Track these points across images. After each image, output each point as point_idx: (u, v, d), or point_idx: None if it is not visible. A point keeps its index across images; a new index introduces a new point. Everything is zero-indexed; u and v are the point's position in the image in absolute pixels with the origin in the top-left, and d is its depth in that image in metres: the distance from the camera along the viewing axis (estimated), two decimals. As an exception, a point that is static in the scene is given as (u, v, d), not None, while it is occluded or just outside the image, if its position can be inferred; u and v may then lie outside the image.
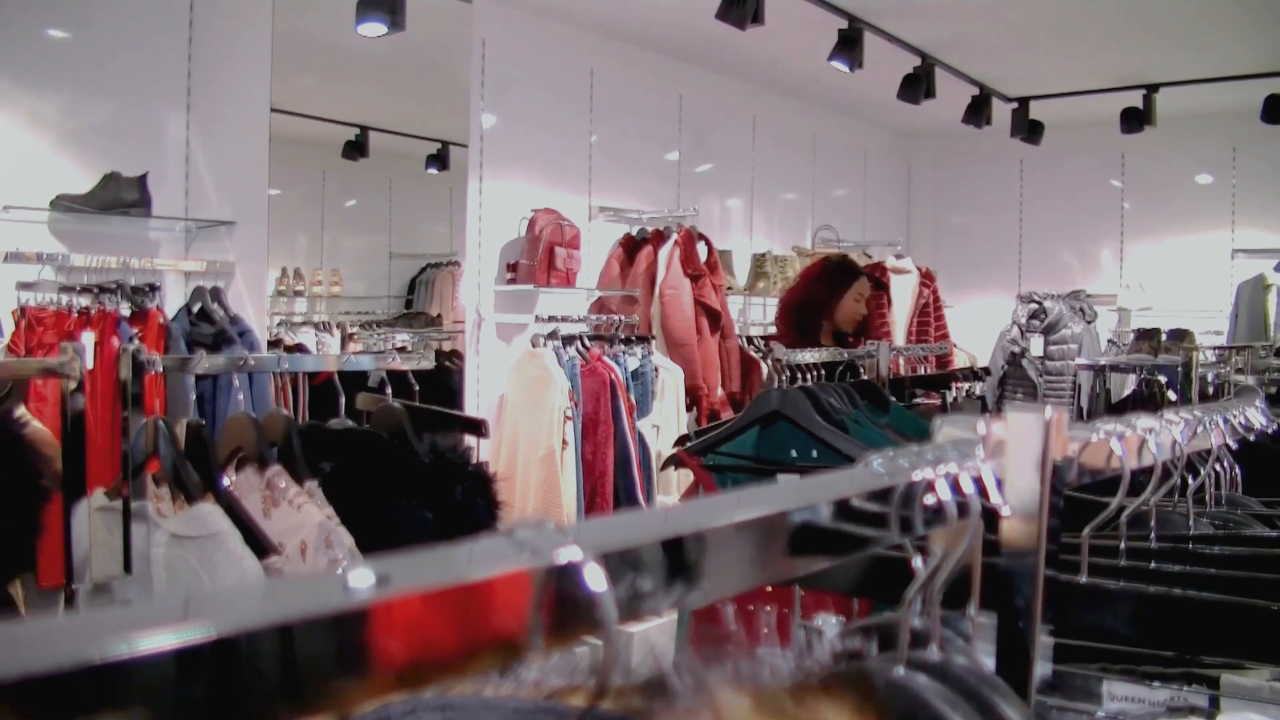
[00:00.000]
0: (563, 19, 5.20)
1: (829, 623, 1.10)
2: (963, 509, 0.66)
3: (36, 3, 3.71)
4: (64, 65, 3.77)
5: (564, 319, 4.83)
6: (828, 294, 4.68)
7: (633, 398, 4.84)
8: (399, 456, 2.12)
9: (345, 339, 5.23)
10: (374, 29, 4.29)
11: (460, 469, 2.15)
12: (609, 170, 5.52)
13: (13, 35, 3.64)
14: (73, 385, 1.68)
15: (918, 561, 0.69)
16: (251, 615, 0.34)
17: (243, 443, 2.01)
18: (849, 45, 5.30)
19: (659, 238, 5.42)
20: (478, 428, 2.71)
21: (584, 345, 4.83)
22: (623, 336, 4.97)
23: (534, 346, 4.76)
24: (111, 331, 3.43)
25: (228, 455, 1.94)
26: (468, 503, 2.11)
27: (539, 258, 4.96)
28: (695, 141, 6.07)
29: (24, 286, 3.53)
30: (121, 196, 3.65)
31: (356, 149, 5.53)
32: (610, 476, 4.61)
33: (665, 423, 5.08)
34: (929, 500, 0.64)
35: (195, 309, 3.73)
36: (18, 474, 1.74)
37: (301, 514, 1.87)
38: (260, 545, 1.75)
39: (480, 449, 3.79)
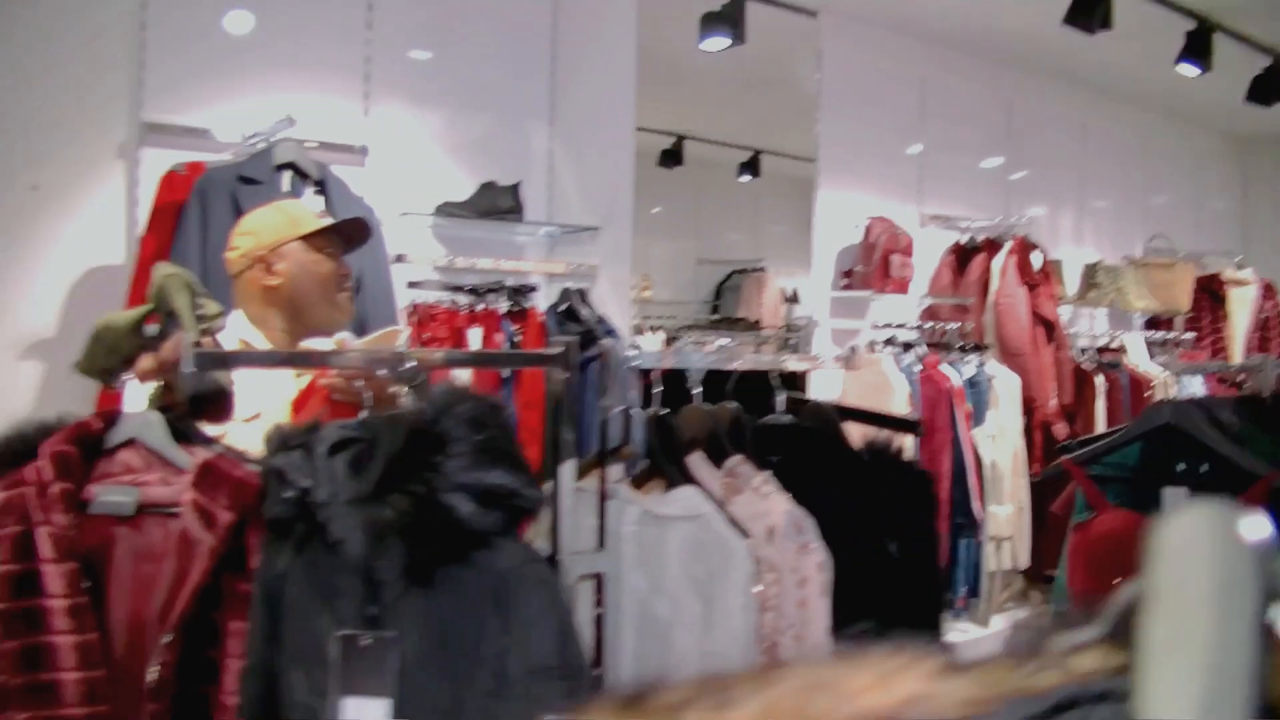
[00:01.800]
0: (898, 29, 5.08)
1: None
2: None
3: (409, 30, 3.94)
4: (443, 85, 3.99)
5: (899, 325, 4.68)
6: None
7: (969, 405, 4.63)
8: (838, 452, 2.06)
9: (668, 341, 5.26)
10: (717, 44, 4.32)
11: (899, 467, 2.07)
12: (936, 178, 5.33)
13: (395, 59, 3.87)
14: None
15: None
16: None
17: (698, 432, 2.00)
18: (1199, 46, 4.92)
19: (992, 246, 5.20)
20: (913, 427, 2.62)
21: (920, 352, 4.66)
22: (959, 344, 4.77)
23: (870, 352, 4.64)
24: (495, 328, 3.57)
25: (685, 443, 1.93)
26: (906, 500, 2.03)
27: (874, 264, 4.85)
28: (1021, 149, 5.79)
29: (413, 285, 3.71)
30: (498, 203, 3.81)
31: (672, 157, 5.56)
32: (947, 484, 4.42)
33: (1001, 432, 4.83)
34: None
35: (562, 309, 3.83)
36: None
37: (768, 501, 1.85)
38: (736, 527, 1.73)
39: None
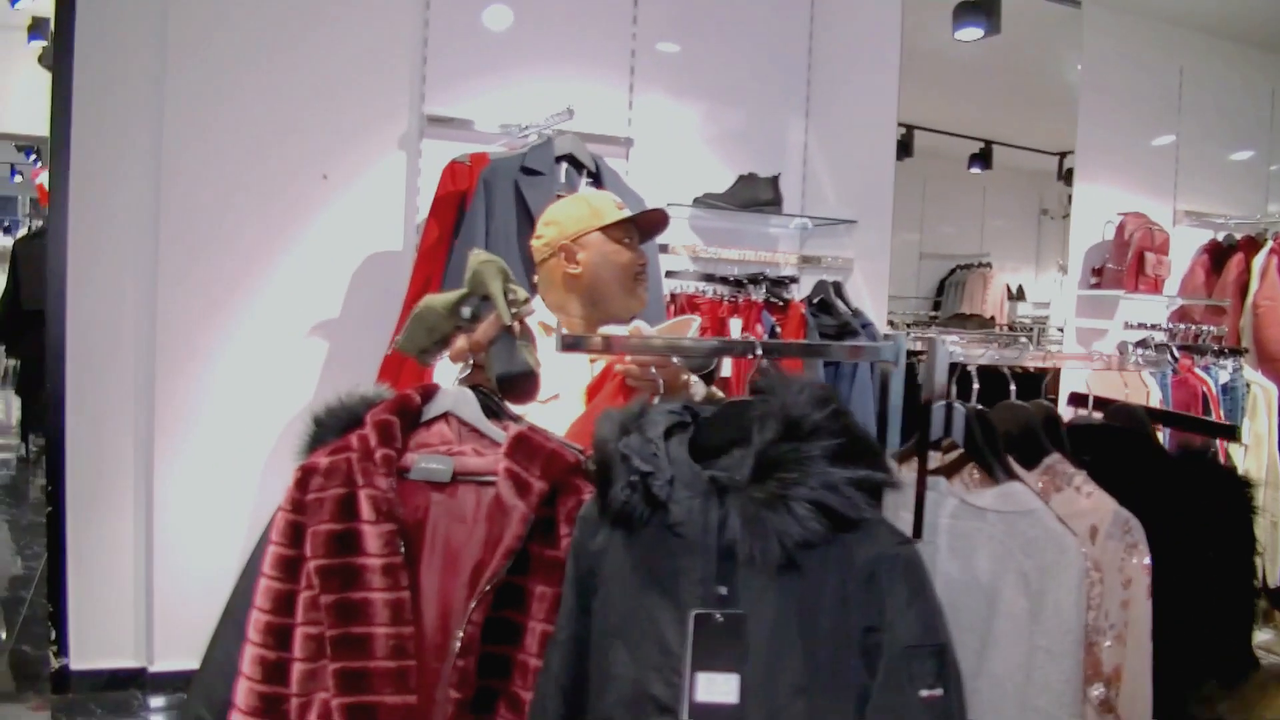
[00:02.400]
0: (1158, 16, 4.82)
1: None
2: None
3: (672, 22, 3.96)
4: (703, 78, 3.99)
5: (1154, 326, 4.45)
6: None
7: (1222, 413, 4.37)
8: (1152, 454, 1.95)
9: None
10: (971, 34, 4.18)
11: (1215, 471, 1.95)
12: (1192, 173, 5.04)
13: (658, 52, 3.90)
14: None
15: None
16: None
17: (1011, 427, 1.92)
18: None
19: (1250, 245, 4.88)
20: (1230, 431, 2.49)
21: (1174, 355, 4.41)
22: (1214, 348, 4.50)
23: (1120, 354, 4.42)
24: (755, 319, 3.55)
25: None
26: (1223, 506, 1.92)
27: (1128, 262, 4.62)
28: (1283, 141, 5.41)
29: (670, 275, 3.72)
30: (758, 195, 3.78)
31: (902, 148, 5.42)
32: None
33: (1256, 442, 4.54)
34: None
35: (816, 301, 3.78)
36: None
37: (1090, 500, 1.78)
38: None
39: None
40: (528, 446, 1.57)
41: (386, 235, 3.63)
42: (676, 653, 1.37)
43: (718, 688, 1.35)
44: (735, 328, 3.53)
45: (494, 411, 1.69)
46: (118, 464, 3.45)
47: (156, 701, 3.45)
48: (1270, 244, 4.80)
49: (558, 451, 1.57)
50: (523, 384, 1.74)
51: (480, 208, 3.18)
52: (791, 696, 1.32)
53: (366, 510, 1.53)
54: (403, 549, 1.53)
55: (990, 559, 1.77)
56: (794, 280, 3.74)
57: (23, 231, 6.57)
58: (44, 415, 6.84)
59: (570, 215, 2.28)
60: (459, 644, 1.49)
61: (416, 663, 1.51)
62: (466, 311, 1.75)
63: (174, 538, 3.45)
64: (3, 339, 6.65)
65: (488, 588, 1.50)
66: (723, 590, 1.37)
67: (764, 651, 1.33)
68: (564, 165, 3.33)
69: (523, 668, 1.54)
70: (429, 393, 1.68)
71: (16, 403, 7.37)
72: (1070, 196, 5.17)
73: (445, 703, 1.50)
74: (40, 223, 6.70)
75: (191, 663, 3.38)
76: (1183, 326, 4.71)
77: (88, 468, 3.42)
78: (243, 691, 1.54)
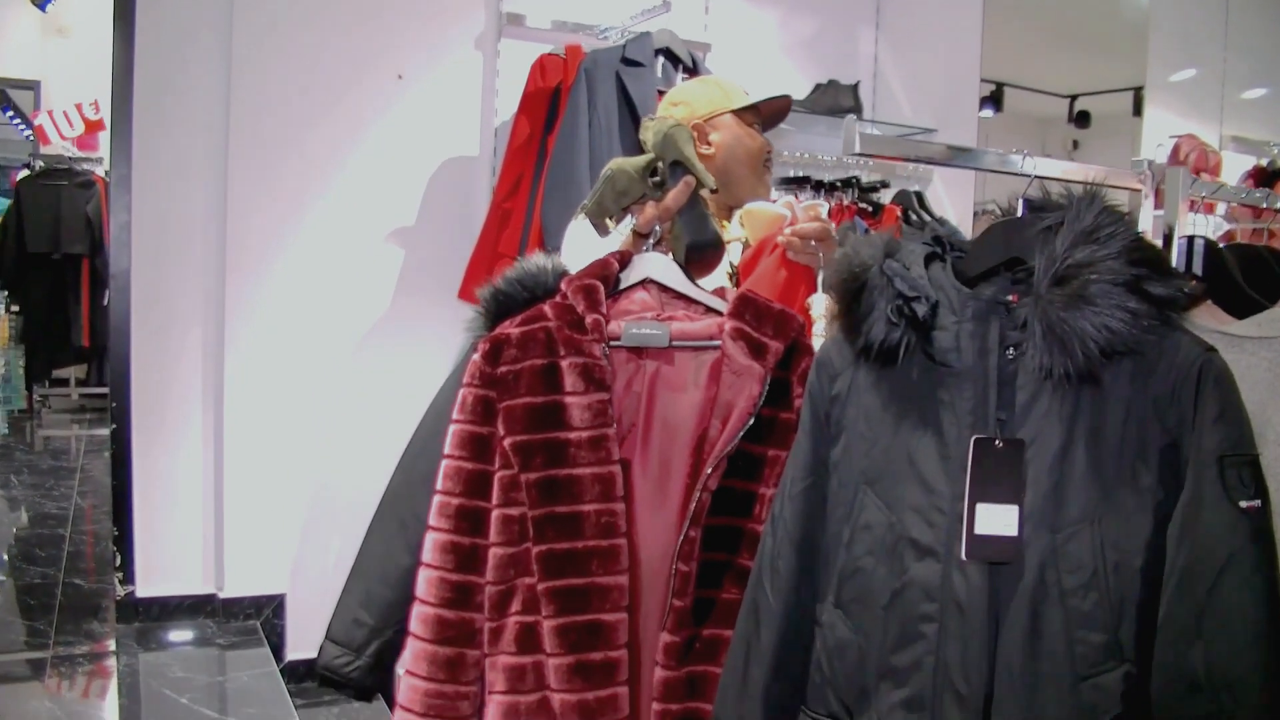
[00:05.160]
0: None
1: None
2: None
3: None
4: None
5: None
6: None
7: None
8: None
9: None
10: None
11: None
12: (1237, 100, 4.91)
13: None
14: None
15: None
16: None
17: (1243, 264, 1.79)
18: None
19: (1296, 169, 4.75)
20: None
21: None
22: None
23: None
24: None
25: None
26: None
27: (1183, 184, 4.47)
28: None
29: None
30: (840, 102, 3.60)
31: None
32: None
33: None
34: None
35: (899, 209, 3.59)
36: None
37: None
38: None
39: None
40: (755, 307, 1.48)
41: (463, 139, 3.38)
42: (941, 490, 1.25)
43: (997, 519, 1.22)
44: (798, 208, 3.31)
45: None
46: (186, 381, 3.19)
47: (229, 627, 3.19)
48: (1318, 168, 4.68)
49: (787, 312, 1.49)
50: (711, 254, 1.64)
51: (582, 99, 2.96)
52: (1077, 525, 1.19)
53: (571, 380, 1.42)
54: (614, 420, 1.43)
55: (1256, 387, 1.62)
56: (885, 185, 3.55)
57: (24, 173, 6.14)
58: (54, 361, 6.53)
59: (702, 96, 2.17)
60: (692, 512, 1.39)
61: (629, 541, 1.42)
62: (651, 180, 1.62)
63: (245, 457, 3.20)
64: (6, 284, 6.24)
65: (725, 453, 1.40)
66: (1001, 416, 1.24)
67: (1046, 479, 1.21)
68: (661, 59, 3.10)
69: (751, 538, 1.44)
70: (625, 259, 1.56)
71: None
72: (1075, 141, 5.03)
73: (668, 578, 1.39)
74: (40, 163, 6.29)
75: (265, 587, 3.22)
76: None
77: (153, 388, 3.16)
78: (429, 583, 1.43)
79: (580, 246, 1.76)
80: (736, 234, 2.07)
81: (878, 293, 1.32)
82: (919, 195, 3.62)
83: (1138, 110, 4.97)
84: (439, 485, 1.44)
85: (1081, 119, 5.28)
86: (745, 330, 1.46)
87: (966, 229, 3.65)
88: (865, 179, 3.54)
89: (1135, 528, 1.18)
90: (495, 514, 1.43)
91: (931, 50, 3.85)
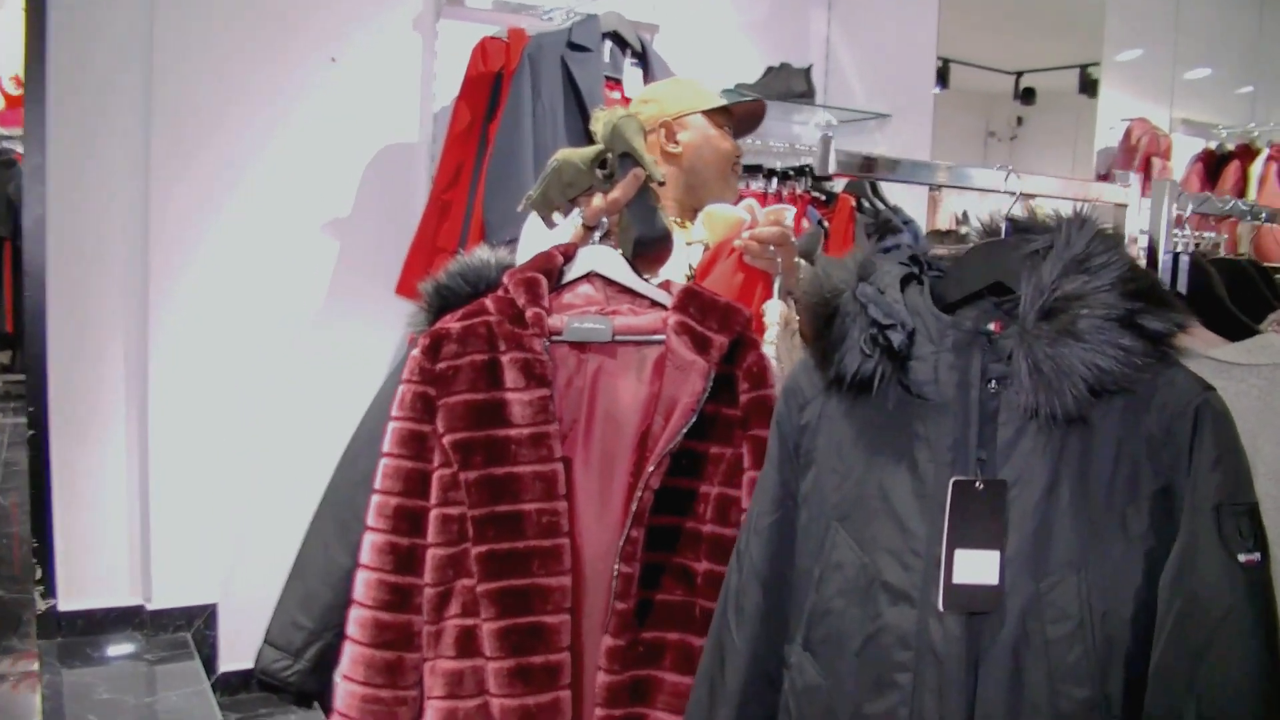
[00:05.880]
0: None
1: None
2: None
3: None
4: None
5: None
6: None
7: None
8: None
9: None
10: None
11: None
12: (1202, 81, 4.89)
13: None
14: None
15: None
16: None
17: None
18: None
19: (1245, 153, 4.76)
20: None
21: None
22: (1210, 257, 4.37)
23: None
24: (800, 214, 3.25)
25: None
26: None
27: (1135, 168, 4.45)
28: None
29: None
30: (792, 87, 3.50)
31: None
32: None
33: (1258, 349, 4.44)
34: None
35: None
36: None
37: None
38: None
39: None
40: (700, 300, 1.45)
41: (401, 125, 3.23)
42: (917, 531, 1.17)
43: (976, 566, 1.15)
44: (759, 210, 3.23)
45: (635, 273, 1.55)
46: (108, 381, 3.03)
47: (158, 640, 3.04)
48: (1267, 151, 4.68)
49: (733, 306, 1.46)
50: (659, 247, 1.62)
51: (526, 85, 2.83)
52: (1062, 572, 1.11)
53: (512, 377, 1.39)
54: (555, 418, 1.40)
55: (1245, 416, 1.55)
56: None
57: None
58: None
59: (673, 94, 2.14)
60: (633, 513, 1.36)
61: (571, 541, 1.39)
62: (600, 171, 1.59)
63: (172, 459, 3.05)
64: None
65: (667, 451, 1.36)
66: (981, 455, 1.16)
67: (1029, 522, 1.13)
68: (608, 43, 2.98)
69: (693, 538, 1.43)
70: (569, 252, 1.54)
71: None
72: (1020, 118, 4.98)
73: (609, 580, 1.37)
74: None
75: (195, 596, 3.07)
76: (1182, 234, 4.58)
77: (73, 387, 2.98)
78: (367, 585, 1.41)
79: (537, 240, 1.73)
80: (699, 236, 2.01)
81: (850, 320, 1.24)
82: (872, 183, 3.53)
83: (1083, 88, 4.93)
84: (377, 484, 1.41)
85: (1027, 95, 5.24)
86: (689, 324, 1.43)
87: (921, 217, 3.58)
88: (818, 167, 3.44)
89: (1124, 576, 1.10)
90: (434, 513, 1.39)
91: (885, 32, 3.75)
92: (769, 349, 1.70)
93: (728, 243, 1.81)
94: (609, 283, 1.53)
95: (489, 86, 2.96)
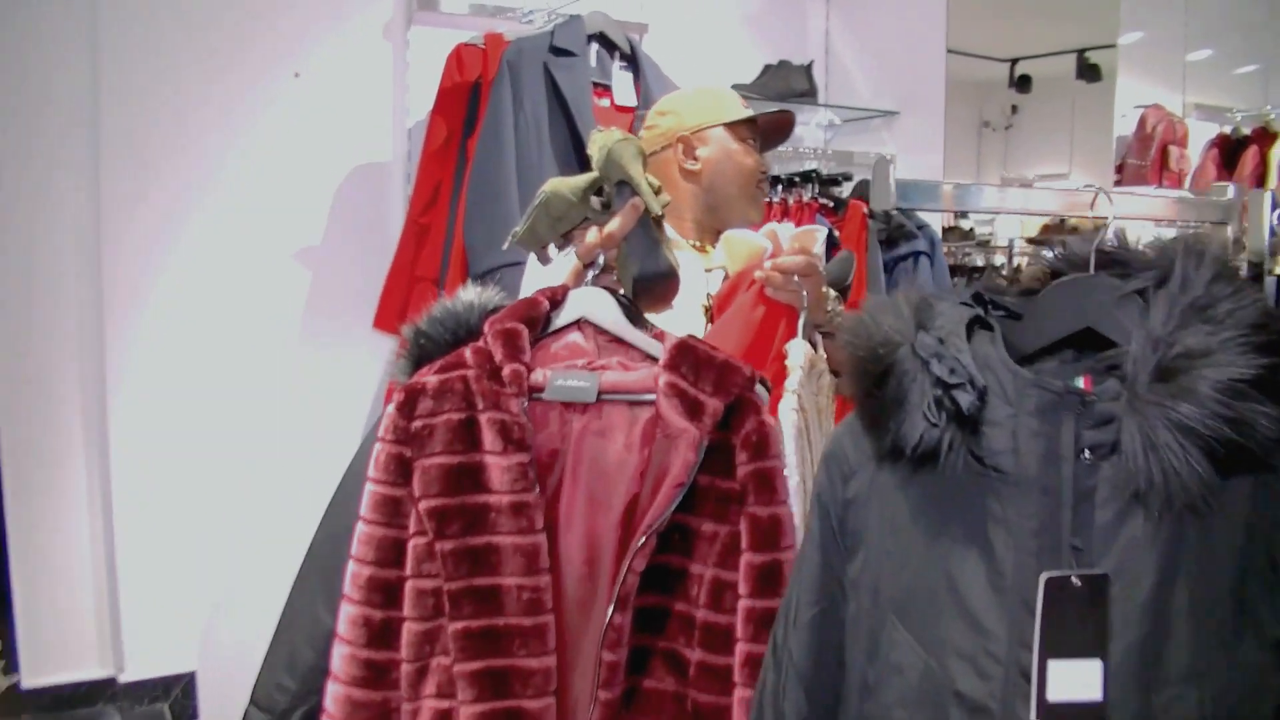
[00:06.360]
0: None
1: None
2: None
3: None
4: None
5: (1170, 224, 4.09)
6: None
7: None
8: None
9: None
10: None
11: None
12: (1203, 63, 4.68)
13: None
14: None
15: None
16: None
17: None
18: None
19: (1264, 137, 4.56)
20: None
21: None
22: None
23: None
24: (809, 223, 3.02)
25: None
26: None
27: (1151, 157, 4.25)
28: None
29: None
30: (792, 85, 3.27)
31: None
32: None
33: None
34: None
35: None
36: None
37: None
38: None
39: None
40: (694, 357, 1.31)
41: (373, 142, 3.00)
42: (995, 631, 0.98)
43: (1075, 678, 0.96)
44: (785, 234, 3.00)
45: (632, 319, 1.40)
46: (64, 435, 2.78)
47: (133, 714, 2.81)
48: (1286, 133, 4.48)
49: (731, 364, 1.31)
50: (663, 287, 1.46)
51: (506, 95, 2.59)
52: (1180, 684, 0.92)
53: (491, 439, 1.28)
54: (537, 484, 1.28)
55: None
56: (847, 178, 3.22)
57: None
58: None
59: (692, 105, 1.97)
60: (616, 596, 1.24)
61: (556, 619, 1.28)
62: (596, 200, 1.45)
63: (139, 519, 2.81)
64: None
65: (653, 528, 1.24)
66: (1075, 542, 0.97)
67: (1137, 626, 0.94)
68: (594, 46, 2.75)
69: (685, 622, 1.31)
70: (558, 296, 1.40)
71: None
72: (1015, 106, 4.79)
73: (595, 666, 1.26)
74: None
75: (172, 665, 2.84)
76: (1199, 224, 4.38)
77: (27, 442, 2.74)
78: (342, 659, 1.32)
79: (538, 276, 1.57)
80: (719, 260, 1.85)
81: (909, 379, 1.03)
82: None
83: (1081, 73, 4.73)
84: (353, 550, 1.32)
85: (1022, 83, 5.06)
86: (680, 386, 1.29)
87: (935, 219, 3.35)
88: (824, 170, 3.21)
89: (1253, 691, 0.92)
90: (409, 585, 1.30)
91: (888, 23, 3.52)
92: (790, 397, 1.55)
93: (748, 272, 1.66)
94: (600, 331, 1.39)
95: (466, 97, 2.72)
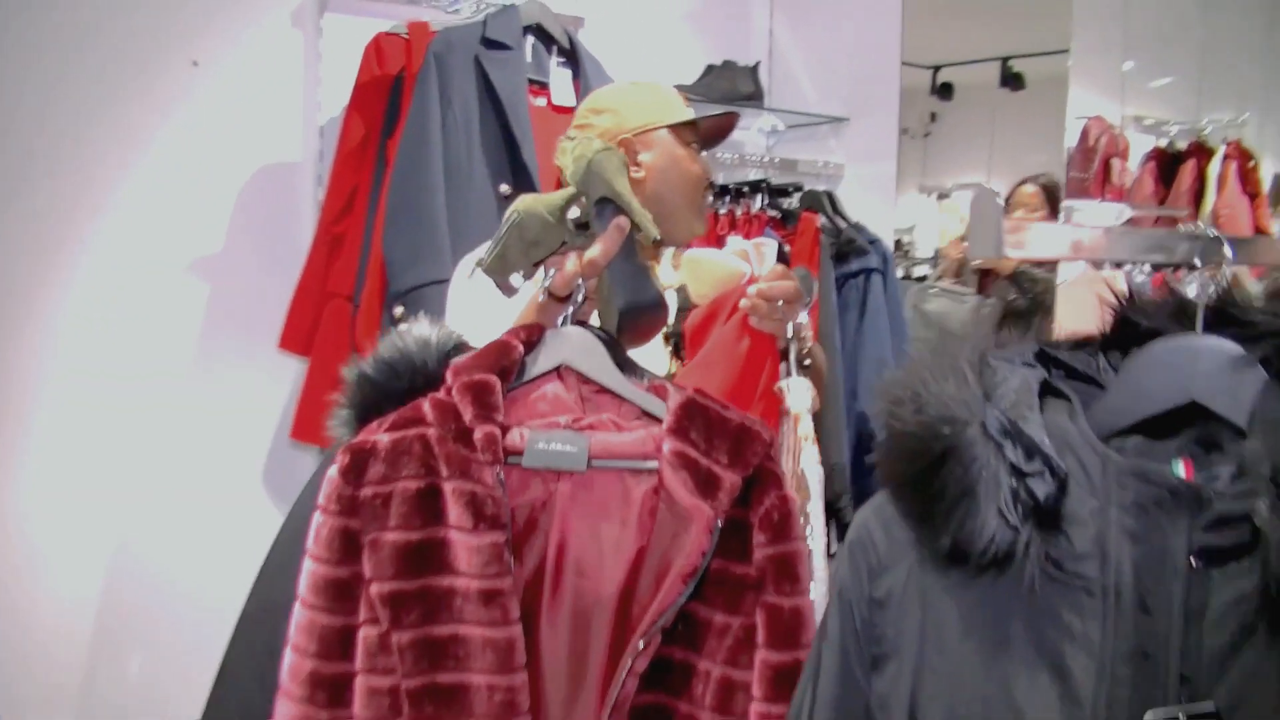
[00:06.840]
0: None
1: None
2: None
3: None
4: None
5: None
6: None
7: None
8: None
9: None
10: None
11: None
12: (1141, 77, 4.62)
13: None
14: None
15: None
16: None
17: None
18: None
19: (1200, 151, 4.51)
20: None
21: (1150, 269, 3.99)
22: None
23: (1095, 269, 3.95)
24: (758, 236, 2.83)
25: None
26: None
27: (1094, 170, 4.16)
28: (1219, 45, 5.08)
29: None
30: (738, 87, 3.07)
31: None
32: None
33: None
34: None
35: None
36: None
37: None
38: None
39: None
40: (704, 419, 1.13)
41: (281, 141, 2.72)
42: None
43: None
44: (733, 247, 2.80)
45: (621, 363, 1.23)
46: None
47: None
48: (1223, 150, 4.44)
49: (748, 427, 1.13)
50: (650, 320, 1.28)
51: (432, 91, 2.34)
52: None
53: (458, 513, 1.09)
54: (512, 568, 1.10)
55: None
56: (798, 188, 3.03)
57: None
58: None
59: (633, 103, 1.76)
60: (613, 700, 1.08)
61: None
62: (569, 220, 1.27)
63: (20, 566, 2.45)
64: None
65: (657, 626, 1.07)
66: (1184, 672, 0.81)
67: None
68: (530, 38, 2.51)
69: None
70: (532, 338, 1.21)
71: None
72: (934, 114, 4.72)
73: None
74: None
75: None
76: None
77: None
78: None
79: (465, 305, 1.42)
80: (668, 280, 1.69)
81: (979, 466, 0.81)
82: (830, 196, 3.12)
83: (1005, 81, 4.65)
84: (291, 636, 1.12)
85: (944, 91, 4.98)
86: (689, 456, 1.11)
87: (886, 233, 3.18)
88: (773, 180, 3.02)
89: None
90: (360, 682, 1.10)
91: (838, 25, 3.34)
92: (812, 449, 1.45)
93: (725, 299, 1.50)
94: (585, 380, 1.21)
95: (386, 93, 2.46)
